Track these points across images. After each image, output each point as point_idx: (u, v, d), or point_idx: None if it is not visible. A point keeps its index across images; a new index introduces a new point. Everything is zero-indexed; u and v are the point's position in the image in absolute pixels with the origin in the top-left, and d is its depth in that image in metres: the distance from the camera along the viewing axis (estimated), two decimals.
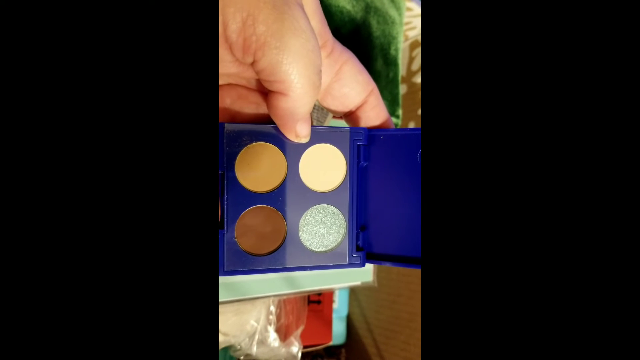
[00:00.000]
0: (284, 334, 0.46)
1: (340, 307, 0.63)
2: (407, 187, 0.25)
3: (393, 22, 0.40)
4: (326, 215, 0.25)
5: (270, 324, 0.45)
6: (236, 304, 0.41)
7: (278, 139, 0.24)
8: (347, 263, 0.26)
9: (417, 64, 0.55)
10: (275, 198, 0.24)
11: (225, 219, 0.23)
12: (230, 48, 0.19)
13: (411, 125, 0.54)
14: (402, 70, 0.43)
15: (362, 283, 0.43)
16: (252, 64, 0.20)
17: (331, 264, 0.25)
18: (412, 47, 0.57)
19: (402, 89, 0.48)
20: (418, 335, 0.50)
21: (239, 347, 0.45)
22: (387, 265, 0.26)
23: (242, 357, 0.47)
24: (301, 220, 0.25)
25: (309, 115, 0.22)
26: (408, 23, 0.57)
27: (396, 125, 0.41)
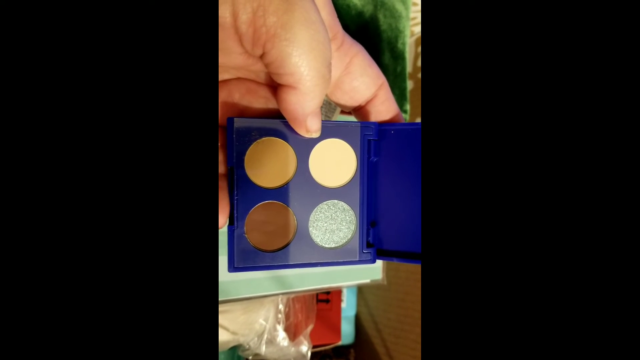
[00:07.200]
0: (293, 333, 0.46)
1: (348, 307, 0.62)
2: (417, 182, 0.24)
3: (400, 16, 0.39)
4: (336, 211, 0.25)
5: (279, 323, 0.44)
6: (245, 302, 0.40)
7: (288, 134, 0.23)
8: (357, 259, 0.25)
9: None
10: (285, 194, 0.24)
11: (235, 215, 0.23)
12: (240, 39, 0.19)
13: (418, 121, 0.54)
14: (408, 66, 0.43)
15: (372, 281, 0.43)
16: (262, 56, 0.19)
17: (341, 261, 0.25)
18: (417, 43, 0.57)
19: (409, 85, 0.47)
20: None
21: (247, 346, 0.44)
22: (397, 262, 0.26)
23: (250, 357, 0.46)
24: (311, 216, 0.24)
25: (319, 110, 0.22)
26: (413, 18, 0.56)
27: (405, 120, 0.41)
